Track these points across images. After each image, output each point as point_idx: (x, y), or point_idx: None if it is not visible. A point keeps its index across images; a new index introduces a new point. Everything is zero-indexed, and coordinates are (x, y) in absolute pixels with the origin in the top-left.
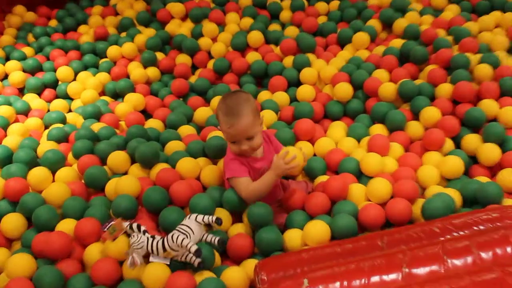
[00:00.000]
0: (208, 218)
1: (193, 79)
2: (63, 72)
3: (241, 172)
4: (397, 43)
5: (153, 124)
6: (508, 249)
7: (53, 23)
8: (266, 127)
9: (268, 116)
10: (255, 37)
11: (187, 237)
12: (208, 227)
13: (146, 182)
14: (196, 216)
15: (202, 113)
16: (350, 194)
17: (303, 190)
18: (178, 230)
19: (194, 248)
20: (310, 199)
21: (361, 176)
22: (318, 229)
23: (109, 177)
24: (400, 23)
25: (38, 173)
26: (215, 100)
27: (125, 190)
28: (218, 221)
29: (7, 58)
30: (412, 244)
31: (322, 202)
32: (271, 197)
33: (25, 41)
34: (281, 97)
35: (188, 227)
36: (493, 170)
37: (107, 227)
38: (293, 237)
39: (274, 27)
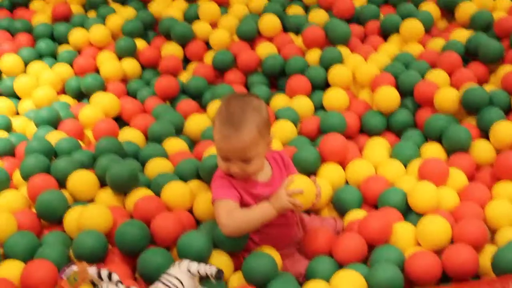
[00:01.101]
0: (206, 268)
1: (184, 76)
2: (9, 62)
3: (226, 193)
4: (461, 35)
5: (131, 135)
6: None
7: None
8: (282, 145)
9: (285, 129)
10: (270, 22)
11: None
12: (203, 278)
13: (120, 214)
14: (189, 265)
15: (196, 122)
16: (394, 237)
17: (330, 229)
18: (164, 283)
19: None
20: (339, 242)
21: (409, 213)
22: (350, 282)
23: (69, 206)
24: (466, 8)
25: None
26: (214, 106)
27: (91, 224)
28: (219, 274)
29: None
30: None
31: (356, 247)
32: (286, 238)
33: None
34: (303, 103)
35: (178, 279)
36: None
37: (67, 274)
38: None
39: (295, 10)
